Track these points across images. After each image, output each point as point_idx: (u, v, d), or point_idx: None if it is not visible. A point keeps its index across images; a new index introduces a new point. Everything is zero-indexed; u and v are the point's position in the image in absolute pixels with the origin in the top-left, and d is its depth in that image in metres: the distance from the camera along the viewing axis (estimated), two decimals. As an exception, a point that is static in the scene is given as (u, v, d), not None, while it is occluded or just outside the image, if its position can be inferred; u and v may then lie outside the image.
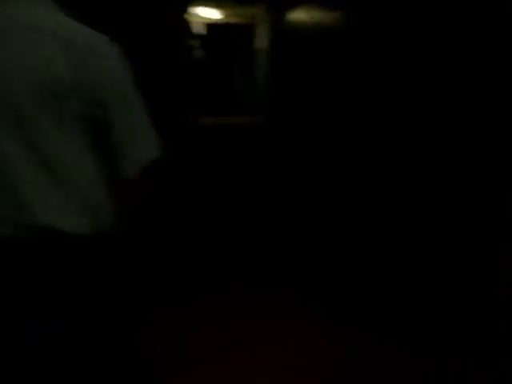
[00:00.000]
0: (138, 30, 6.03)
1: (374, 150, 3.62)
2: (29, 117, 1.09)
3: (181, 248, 3.68)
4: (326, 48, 5.39)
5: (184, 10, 10.36)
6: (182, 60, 10.45)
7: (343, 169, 4.35)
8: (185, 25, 10.74)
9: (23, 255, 1.05)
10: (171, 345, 2.40)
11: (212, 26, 15.60)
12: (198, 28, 14.77)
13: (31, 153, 1.09)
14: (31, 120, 1.09)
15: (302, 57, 7.12)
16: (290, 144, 7.72)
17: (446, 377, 2.10)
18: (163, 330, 2.41)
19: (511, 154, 2.27)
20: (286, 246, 3.69)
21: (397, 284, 2.85)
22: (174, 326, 2.59)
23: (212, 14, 13.55)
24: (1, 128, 1.10)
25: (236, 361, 2.32)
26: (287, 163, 6.48)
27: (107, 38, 1.17)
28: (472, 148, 2.53)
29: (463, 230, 2.48)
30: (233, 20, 14.82)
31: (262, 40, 13.26)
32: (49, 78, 1.07)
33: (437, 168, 2.79)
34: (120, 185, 1.17)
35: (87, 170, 1.15)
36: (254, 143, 9.41)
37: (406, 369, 2.20)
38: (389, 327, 2.51)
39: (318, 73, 5.98)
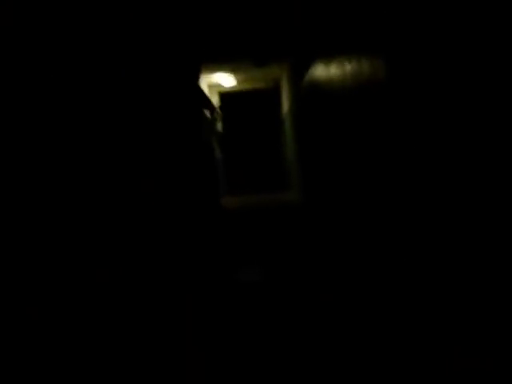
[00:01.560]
0: (149, 105, 4.44)
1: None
2: None
3: None
4: (361, 108, 4.08)
5: (196, 79, 8.76)
6: (204, 136, 8.86)
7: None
8: (200, 96, 9.13)
9: None
10: None
11: (228, 94, 14.07)
12: (213, 98, 13.23)
13: None
14: None
15: (330, 121, 5.53)
16: (323, 222, 6.04)
17: None
18: None
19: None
20: None
21: None
22: None
23: (227, 81, 11.97)
24: None
25: None
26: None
27: None
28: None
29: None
30: (252, 86, 13.25)
31: (287, 105, 11.59)
32: None
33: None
34: None
35: None
36: (288, 222, 7.51)
37: None
38: None
39: (350, 139, 4.65)
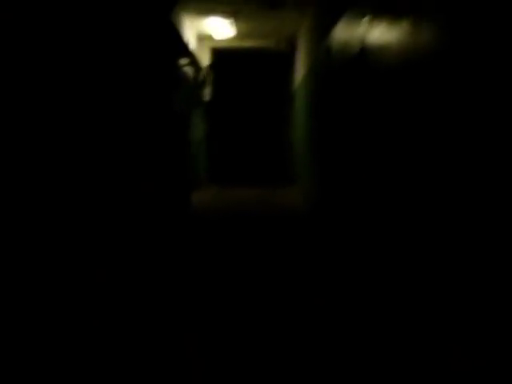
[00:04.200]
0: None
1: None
2: None
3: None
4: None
5: (168, 11, 5.60)
6: (176, 104, 5.88)
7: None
8: (175, 43, 5.98)
9: None
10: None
11: (224, 52, 10.79)
12: (204, 55, 10.00)
13: None
14: None
15: (363, 99, 3.96)
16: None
17: None
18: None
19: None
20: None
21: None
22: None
23: (224, 30, 8.71)
24: None
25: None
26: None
27: None
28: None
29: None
30: (257, 43, 9.95)
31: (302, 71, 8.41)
32: None
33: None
34: None
35: None
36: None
37: None
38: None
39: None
